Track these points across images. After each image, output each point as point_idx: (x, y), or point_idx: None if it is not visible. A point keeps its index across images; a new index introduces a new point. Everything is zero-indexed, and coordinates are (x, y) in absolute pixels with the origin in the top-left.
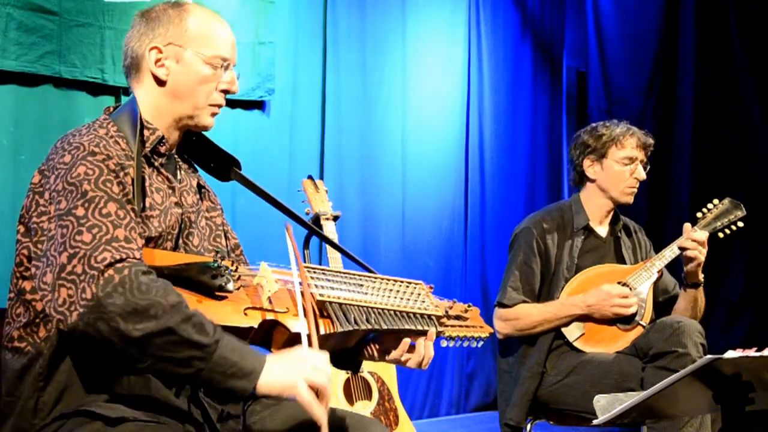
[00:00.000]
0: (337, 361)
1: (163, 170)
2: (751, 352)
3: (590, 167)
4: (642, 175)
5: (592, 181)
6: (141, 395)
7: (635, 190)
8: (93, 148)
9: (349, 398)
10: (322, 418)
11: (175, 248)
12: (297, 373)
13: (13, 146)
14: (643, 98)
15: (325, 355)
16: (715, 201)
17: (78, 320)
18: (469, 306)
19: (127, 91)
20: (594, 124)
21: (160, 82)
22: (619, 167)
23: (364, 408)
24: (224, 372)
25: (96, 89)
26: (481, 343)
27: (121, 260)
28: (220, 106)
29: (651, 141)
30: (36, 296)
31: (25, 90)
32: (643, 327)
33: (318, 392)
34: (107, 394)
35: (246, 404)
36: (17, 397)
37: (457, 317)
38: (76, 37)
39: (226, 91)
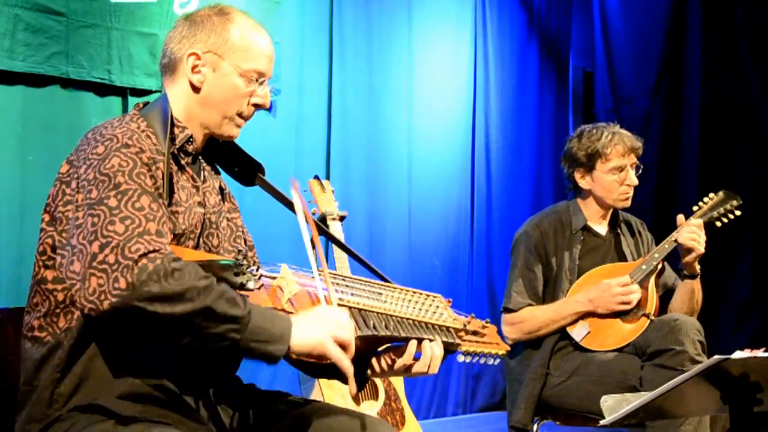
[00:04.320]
0: (343, 377)
1: (188, 169)
2: (760, 353)
3: (581, 179)
4: (633, 180)
5: (588, 190)
6: (153, 395)
7: (630, 194)
8: (126, 140)
9: (356, 398)
10: (350, 370)
11: (196, 247)
12: (324, 331)
13: (21, 147)
14: (650, 98)
15: (345, 311)
16: (711, 194)
17: (110, 309)
18: (486, 322)
19: (134, 91)
20: (580, 131)
21: (195, 89)
22: (609, 177)
23: (371, 408)
24: (259, 339)
25: (103, 90)
26: (498, 360)
27: (154, 251)
28: (248, 118)
29: (638, 144)
30: (57, 286)
31: (33, 91)
32: (648, 318)
33: (343, 346)
34: (120, 390)
35: (254, 407)
36: (34, 386)
37: (475, 333)
38: (84, 38)
39: (257, 105)
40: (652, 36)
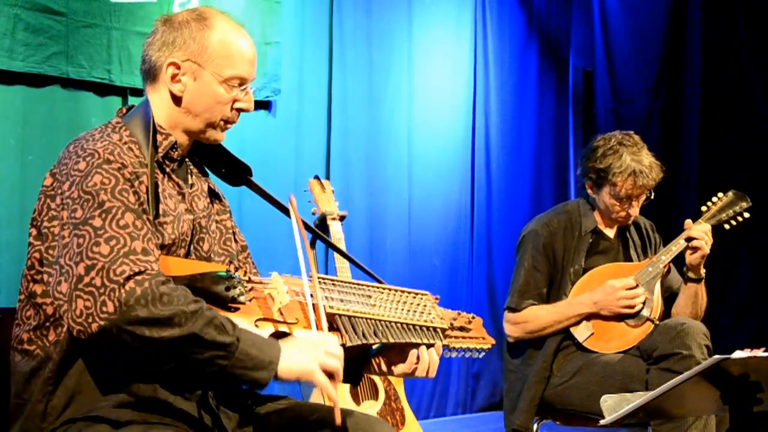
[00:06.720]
0: (351, 379)
1: (174, 176)
2: (759, 353)
3: (590, 188)
4: (634, 212)
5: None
6: (150, 401)
7: (626, 221)
8: (108, 156)
9: (356, 398)
10: (336, 400)
11: (187, 254)
12: (312, 358)
13: (21, 147)
14: (650, 98)
15: (335, 338)
16: (720, 194)
17: (98, 332)
18: (473, 317)
19: (134, 91)
20: (600, 144)
21: (176, 98)
22: (611, 201)
23: (371, 408)
24: (245, 366)
25: (103, 90)
26: (483, 354)
27: (140, 273)
28: (233, 123)
29: (652, 182)
30: (47, 300)
31: (33, 91)
32: (653, 322)
33: (331, 374)
34: (116, 400)
35: (254, 407)
36: (26, 399)
37: (461, 328)
38: (84, 38)
39: (241, 110)
40: (652, 36)
